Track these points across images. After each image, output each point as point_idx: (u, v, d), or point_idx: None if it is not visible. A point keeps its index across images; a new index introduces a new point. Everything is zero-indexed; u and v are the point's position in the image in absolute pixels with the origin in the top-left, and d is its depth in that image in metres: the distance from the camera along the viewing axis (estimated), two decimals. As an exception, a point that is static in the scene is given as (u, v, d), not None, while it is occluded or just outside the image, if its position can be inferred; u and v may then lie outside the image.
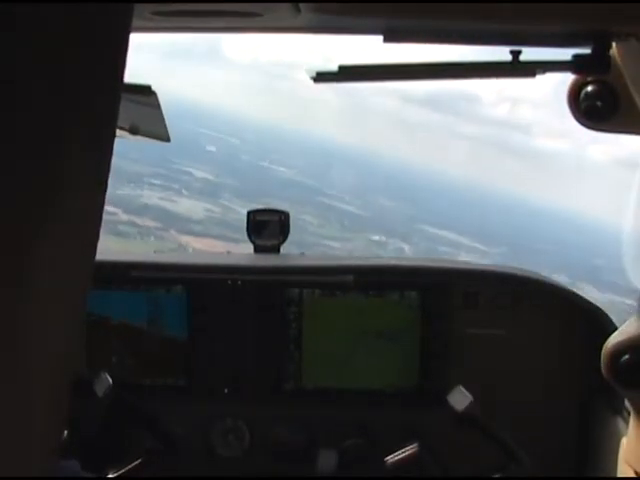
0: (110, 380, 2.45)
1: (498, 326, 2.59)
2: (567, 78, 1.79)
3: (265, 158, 53.70)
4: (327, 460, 2.54)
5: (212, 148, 52.31)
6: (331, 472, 2.54)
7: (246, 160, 53.16)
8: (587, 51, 1.74)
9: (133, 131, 2.23)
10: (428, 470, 2.57)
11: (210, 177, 41.59)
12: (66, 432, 2.40)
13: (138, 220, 29.87)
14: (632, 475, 1.79)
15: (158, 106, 2.15)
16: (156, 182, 36.99)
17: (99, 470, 2.47)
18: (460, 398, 2.36)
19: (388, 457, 2.46)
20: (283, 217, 2.82)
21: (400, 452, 2.49)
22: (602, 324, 2.46)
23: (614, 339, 1.60)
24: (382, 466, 2.61)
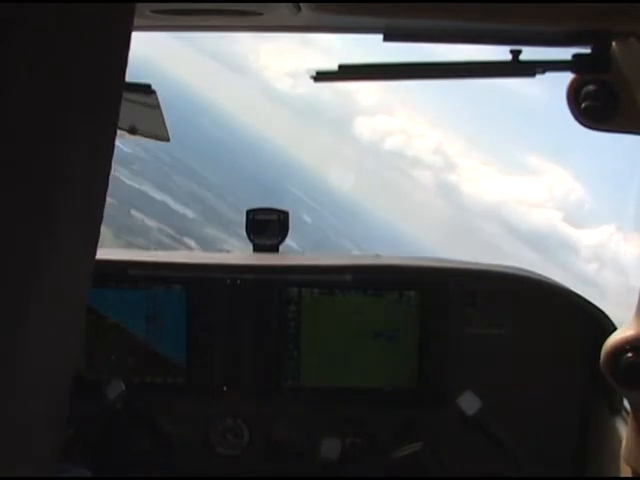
0: (123, 386, 2.48)
1: (497, 326, 2.59)
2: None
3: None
4: (330, 448, 2.55)
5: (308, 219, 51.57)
6: (334, 460, 2.55)
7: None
8: (587, 50, 1.74)
9: (132, 131, 2.23)
10: (428, 470, 2.57)
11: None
12: (74, 436, 2.42)
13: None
14: (632, 475, 1.80)
15: (158, 106, 2.15)
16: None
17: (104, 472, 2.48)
18: (470, 402, 2.40)
19: (393, 453, 2.48)
20: (282, 216, 2.82)
21: (404, 449, 2.50)
22: (601, 324, 2.46)
23: (613, 339, 1.60)
24: (381, 465, 2.61)
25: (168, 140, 2.32)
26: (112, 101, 0.76)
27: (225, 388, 2.63)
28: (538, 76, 1.77)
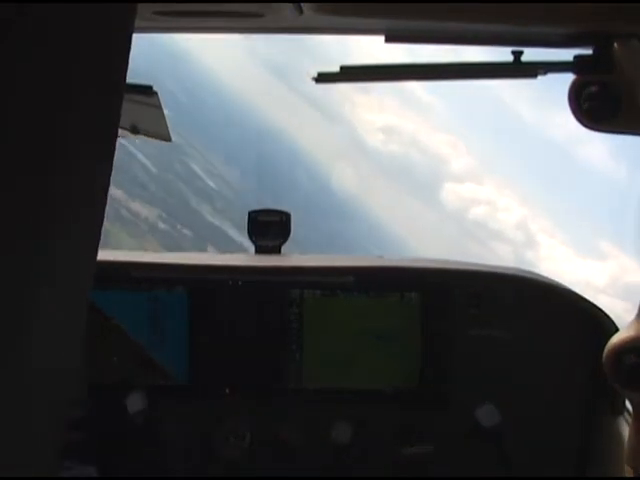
0: (144, 401, 2.51)
1: (499, 327, 2.58)
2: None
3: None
4: (341, 432, 2.56)
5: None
6: (346, 443, 2.56)
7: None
8: (589, 52, 1.74)
9: (134, 130, 2.23)
10: (429, 470, 2.57)
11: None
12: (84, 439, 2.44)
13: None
14: (634, 476, 1.79)
15: (159, 106, 2.15)
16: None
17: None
18: (490, 415, 2.46)
19: (394, 454, 2.49)
20: (284, 218, 2.82)
21: (405, 450, 2.51)
22: (604, 325, 2.46)
23: (616, 340, 1.60)
24: (382, 465, 2.61)
25: (169, 140, 2.33)
26: (113, 102, 0.76)
27: (227, 390, 2.63)
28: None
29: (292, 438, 2.62)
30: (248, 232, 2.81)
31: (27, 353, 0.69)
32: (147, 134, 2.28)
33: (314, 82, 1.84)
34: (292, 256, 2.84)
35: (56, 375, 0.75)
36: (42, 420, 0.74)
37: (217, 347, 2.62)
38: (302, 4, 1.49)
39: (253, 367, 2.62)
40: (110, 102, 0.76)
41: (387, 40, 1.78)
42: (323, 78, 1.83)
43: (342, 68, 1.82)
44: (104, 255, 2.65)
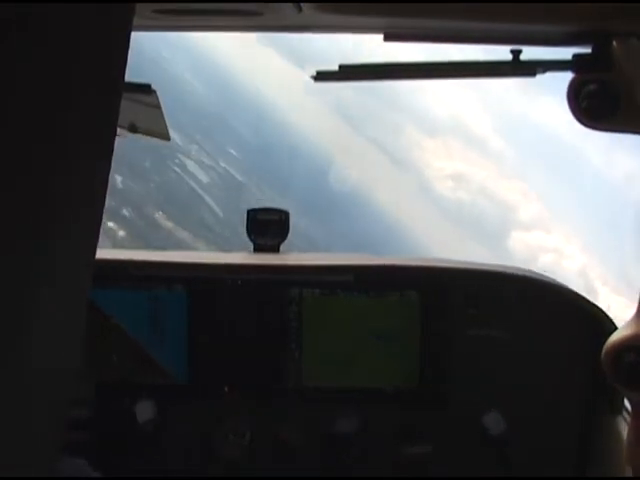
0: (154, 410, 2.52)
1: (498, 326, 2.58)
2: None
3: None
4: (341, 431, 2.57)
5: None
6: (345, 443, 2.57)
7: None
8: (587, 50, 1.74)
9: (132, 129, 2.23)
10: (429, 470, 2.57)
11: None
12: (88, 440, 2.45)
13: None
14: (633, 475, 1.79)
15: (158, 105, 2.15)
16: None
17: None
18: (496, 423, 2.50)
19: (394, 453, 2.49)
20: (283, 216, 2.82)
21: (406, 450, 2.51)
22: (603, 324, 2.46)
23: (615, 338, 1.60)
24: (382, 465, 2.61)
25: (168, 139, 2.32)
26: (112, 101, 0.76)
27: (226, 389, 2.63)
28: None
29: (292, 437, 2.62)
30: (247, 231, 2.81)
31: (27, 353, 0.69)
32: (146, 133, 2.28)
33: (313, 81, 1.84)
34: (291, 255, 2.84)
35: (56, 375, 0.75)
36: (42, 420, 0.74)
37: (216, 346, 2.62)
38: (301, 2, 1.49)
39: (252, 366, 2.62)
40: (109, 101, 0.76)
41: (386, 39, 1.78)
42: (322, 77, 1.83)
43: (341, 67, 1.82)
44: (103, 254, 2.65)
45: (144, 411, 2.57)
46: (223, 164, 43.52)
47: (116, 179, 30.37)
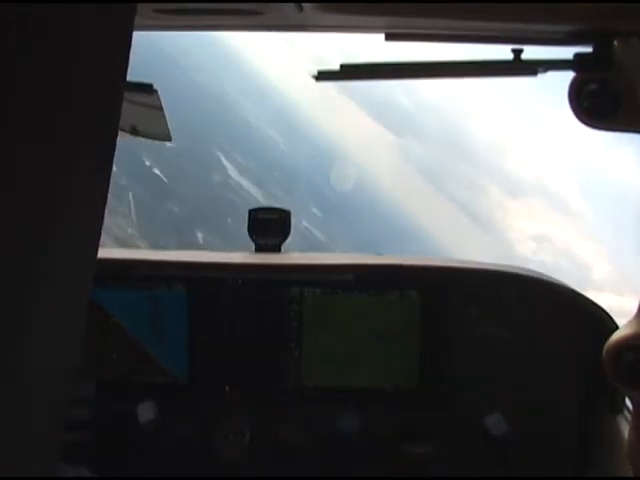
0: (155, 411, 2.52)
1: (499, 326, 2.58)
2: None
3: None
4: (341, 430, 2.58)
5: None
6: (345, 442, 2.58)
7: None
8: (588, 50, 1.74)
9: (134, 132, 2.23)
10: (429, 470, 2.57)
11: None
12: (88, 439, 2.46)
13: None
14: (634, 475, 1.79)
15: (160, 105, 2.15)
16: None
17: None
18: (496, 422, 2.50)
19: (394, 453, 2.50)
20: (284, 216, 2.82)
21: (406, 450, 2.52)
22: (603, 323, 2.46)
23: (615, 337, 1.60)
24: (382, 465, 2.61)
25: (170, 140, 2.32)
26: (113, 101, 0.76)
27: (227, 388, 2.63)
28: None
29: (292, 437, 2.62)
30: (248, 230, 2.82)
31: (27, 353, 0.69)
32: (147, 136, 2.28)
33: (314, 80, 1.84)
34: (292, 254, 2.84)
35: (56, 375, 0.75)
36: (42, 420, 0.74)
37: (217, 345, 2.62)
38: (302, 2, 1.49)
39: (253, 366, 2.63)
40: (110, 101, 0.76)
41: (387, 38, 1.78)
42: (323, 76, 1.83)
43: (342, 66, 1.82)
44: (104, 253, 2.65)
45: (144, 410, 2.57)
46: (305, 223, 42.64)
47: (197, 235, 30.14)
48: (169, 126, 2.24)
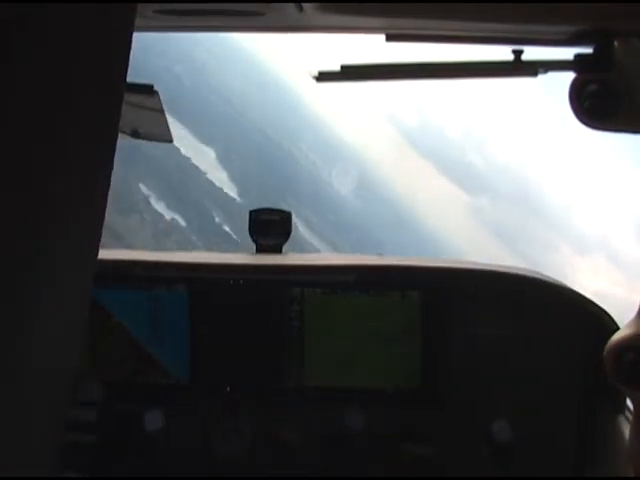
0: (164, 419, 2.53)
1: (499, 326, 2.58)
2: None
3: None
4: (342, 431, 2.57)
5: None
6: (346, 443, 2.58)
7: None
8: (589, 50, 1.74)
9: (135, 135, 2.23)
10: (429, 470, 2.57)
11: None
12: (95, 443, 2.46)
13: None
14: (635, 475, 1.79)
15: (160, 107, 2.15)
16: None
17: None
18: (496, 422, 2.49)
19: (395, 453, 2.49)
20: (285, 217, 2.82)
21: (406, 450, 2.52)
22: (604, 323, 2.46)
23: (616, 337, 1.60)
24: (382, 465, 2.61)
25: (171, 141, 2.32)
26: (113, 101, 0.76)
27: (228, 388, 2.63)
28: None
29: (292, 437, 2.62)
30: (249, 231, 2.82)
31: (27, 353, 0.69)
32: (149, 138, 2.28)
33: (315, 81, 1.84)
34: (293, 255, 2.84)
35: (56, 375, 0.75)
36: (42, 420, 0.74)
37: (218, 346, 2.62)
38: (302, 2, 1.49)
39: (254, 366, 2.63)
40: (111, 102, 0.76)
41: (388, 39, 1.78)
42: (324, 77, 1.83)
43: (343, 67, 1.82)
44: (105, 254, 2.65)
45: (145, 410, 2.57)
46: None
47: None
48: (169, 128, 2.24)
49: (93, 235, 0.77)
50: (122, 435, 2.61)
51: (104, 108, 0.75)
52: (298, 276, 2.62)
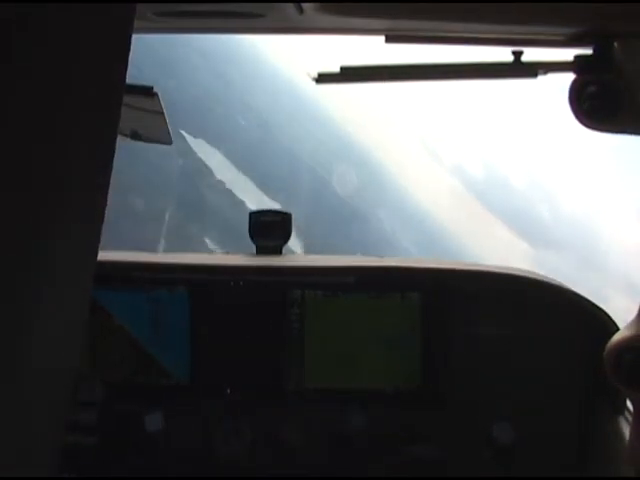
0: (164, 419, 2.53)
1: (499, 327, 2.58)
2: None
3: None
4: (342, 432, 2.58)
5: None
6: (346, 443, 2.58)
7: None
8: (589, 51, 1.74)
9: (135, 137, 2.23)
10: (429, 471, 2.57)
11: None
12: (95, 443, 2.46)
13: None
14: (635, 476, 1.79)
15: (160, 109, 2.15)
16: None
17: None
18: (499, 425, 2.50)
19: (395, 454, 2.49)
20: (285, 218, 2.82)
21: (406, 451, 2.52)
22: (603, 324, 2.46)
23: (616, 338, 1.60)
24: (382, 466, 2.61)
25: (170, 143, 2.32)
26: (113, 102, 0.76)
27: (228, 390, 2.63)
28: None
29: (292, 438, 2.62)
30: (249, 233, 2.82)
31: (27, 353, 0.70)
32: (148, 140, 2.28)
33: (315, 83, 1.84)
34: (293, 256, 2.85)
35: (56, 375, 0.75)
36: (42, 420, 0.74)
37: (218, 347, 2.62)
38: (303, 4, 1.49)
39: (254, 367, 2.63)
40: (110, 102, 0.76)
41: (387, 40, 1.78)
42: (323, 79, 1.83)
43: (342, 69, 1.82)
44: (106, 255, 2.65)
45: (145, 411, 2.57)
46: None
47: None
48: (169, 129, 2.24)
49: (93, 235, 0.77)
50: (122, 435, 2.61)
51: (104, 108, 0.75)
52: (298, 278, 2.62)
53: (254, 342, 2.62)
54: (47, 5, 0.65)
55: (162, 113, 2.15)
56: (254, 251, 2.82)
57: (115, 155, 0.78)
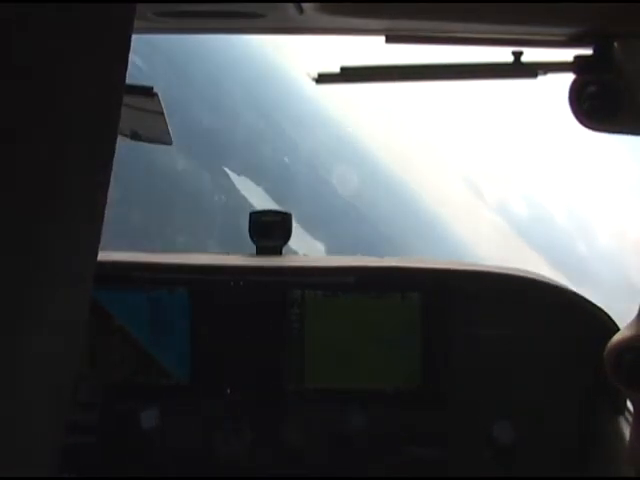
0: (158, 418, 2.53)
1: (499, 327, 2.58)
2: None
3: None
4: (342, 432, 2.59)
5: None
6: (346, 444, 2.59)
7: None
8: (589, 52, 1.74)
9: (134, 137, 2.22)
10: (429, 471, 2.57)
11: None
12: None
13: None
14: (635, 476, 1.79)
15: (160, 109, 2.15)
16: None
17: None
18: (499, 425, 2.51)
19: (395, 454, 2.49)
20: (285, 218, 2.82)
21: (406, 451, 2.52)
22: (604, 324, 2.46)
23: (617, 338, 1.60)
24: (382, 465, 2.61)
25: (170, 143, 2.32)
26: (113, 102, 0.76)
27: (228, 390, 2.63)
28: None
29: (292, 438, 2.62)
30: (249, 233, 2.81)
31: (27, 353, 0.70)
32: (149, 140, 2.28)
33: (315, 83, 1.84)
34: (293, 257, 2.84)
35: (56, 375, 0.75)
36: (42, 420, 0.74)
37: (218, 347, 2.62)
38: (303, 4, 1.49)
39: (254, 367, 2.63)
40: (110, 102, 0.76)
41: (388, 41, 1.78)
42: (323, 79, 1.83)
43: (342, 69, 1.82)
44: (106, 256, 2.65)
45: (145, 411, 2.57)
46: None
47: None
48: (169, 130, 2.23)
49: (93, 235, 0.77)
50: (122, 435, 2.61)
51: (103, 109, 0.76)
52: (298, 278, 2.62)
53: (254, 342, 2.62)
54: (47, 5, 0.65)
55: (162, 113, 2.14)
56: (254, 251, 2.82)
57: (115, 155, 0.78)
